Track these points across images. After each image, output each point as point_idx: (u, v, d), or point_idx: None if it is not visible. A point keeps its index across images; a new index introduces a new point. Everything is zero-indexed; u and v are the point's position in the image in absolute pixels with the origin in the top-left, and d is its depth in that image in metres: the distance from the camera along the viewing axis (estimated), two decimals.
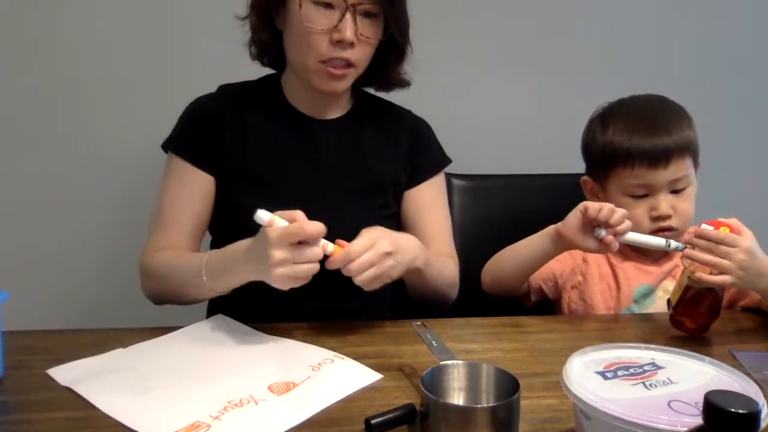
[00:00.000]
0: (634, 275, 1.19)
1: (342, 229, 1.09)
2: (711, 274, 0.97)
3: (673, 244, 1.03)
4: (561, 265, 1.21)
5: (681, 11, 1.78)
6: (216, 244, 1.18)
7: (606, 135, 1.17)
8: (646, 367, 0.71)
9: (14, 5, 1.48)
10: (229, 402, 0.75)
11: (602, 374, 0.69)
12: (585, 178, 1.24)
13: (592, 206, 1.03)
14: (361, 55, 1.05)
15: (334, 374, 0.83)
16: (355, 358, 0.87)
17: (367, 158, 1.15)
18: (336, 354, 0.88)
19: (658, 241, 1.05)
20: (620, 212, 1.02)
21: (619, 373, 0.70)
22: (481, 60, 1.70)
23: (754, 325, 1.08)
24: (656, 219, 1.14)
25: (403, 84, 1.19)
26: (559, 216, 1.09)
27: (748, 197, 1.75)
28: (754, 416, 0.47)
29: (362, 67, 1.08)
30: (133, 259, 1.62)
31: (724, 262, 0.95)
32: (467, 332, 1.00)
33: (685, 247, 1.01)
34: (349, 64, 1.05)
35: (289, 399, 0.76)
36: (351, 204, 1.12)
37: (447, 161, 1.23)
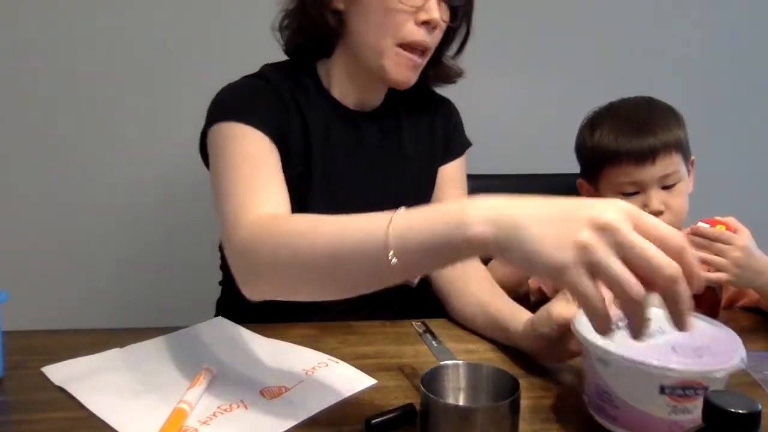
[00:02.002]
0: None
1: None
2: (708, 272, 0.98)
3: None
4: None
5: (682, 10, 1.78)
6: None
7: (594, 138, 1.20)
8: None
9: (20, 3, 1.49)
10: (218, 407, 0.74)
11: None
12: (580, 180, 1.27)
13: None
14: (435, 42, 0.97)
15: (327, 378, 0.82)
16: (354, 359, 0.87)
17: (408, 157, 1.09)
18: (331, 357, 0.87)
19: None
20: None
21: (620, 324, 0.71)
22: (480, 60, 1.69)
23: (754, 324, 1.08)
24: None
25: (459, 75, 1.11)
26: None
27: (747, 197, 1.75)
28: (754, 416, 0.47)
29: (429, 56, 0.99)
30: (133, 258, 1.63)
31: (720, 259, 0.97)
32: (467, 332, 1.00)
33: None
34: (424, 52, 0.96)
35: (280, 403, 0.76)
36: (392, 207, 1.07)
37: (469, 143, 1.19)
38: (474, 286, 1.03)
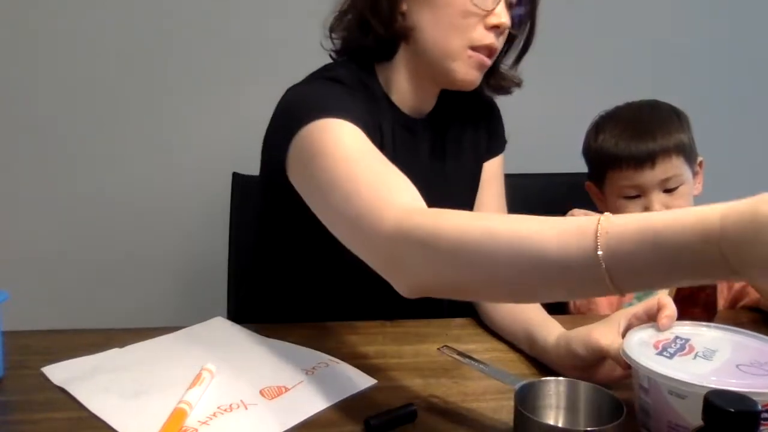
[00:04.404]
0: None
1: None
2: None
3: None
4: None
5: (682, 11, 1.78)
6: (286, 256, 1.04)
7: (598, 142, 1.22)
8: (678, 342, 0.73)
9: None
10: (218, 407, 0.74)
11: (661, 354, 0.70)
12: (588, 183, 1.28)
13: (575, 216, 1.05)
14: (500, 46, 0.97)
15: (327, 379, 0.82)
16: (354, 359, 0.87)
17: (456, 158, 1.08)
18: (331, 358, 0.87)
19: None
20: None
21: (671, 350, 0.71)
22: None
23: (754, 323, 1.08)
24: None
25: (518, 85, 1.09)
26: (559, 216, 1.10)
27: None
28: (753, 416, 0.47)
29: (494, 59, 0.98)
30: (133, 259, 1.63)
31: None
32: (467, 332, 1.00)
33: None
34: (491, 54, 0.95)
35: (280, 404, 0.76)
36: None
37: (505, 143, 1.19)
38: None
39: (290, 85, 0.97)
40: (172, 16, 1.54)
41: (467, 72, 0.95)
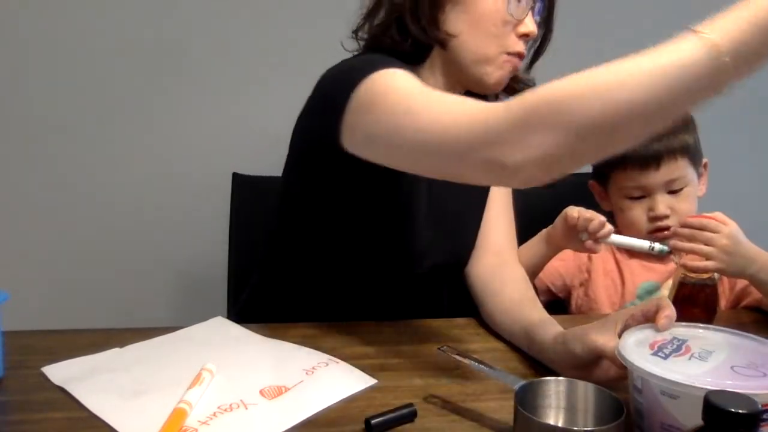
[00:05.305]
0: (639, 272, 1.21)
1: (461, 243, 1.08)
2: (698, 262, 1.00)
3: (657, 246, 1.05)
4: (565, 263, 1.24)
5: (683, 11, 1.78)
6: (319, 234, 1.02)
7: None
8: (675, 343, 0.73)
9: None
10: (218, 407, 0.74)
11: (656, 355, 0.70)
12: (591, 182, 1.28)
13: (571, 215, 1.06)
14: (526, 53, 1.02)
15: (327, 378, 0.82)
16: (354, 358, 0.87)
17: None
18: (331, 357, 0.87)
19: (641, 244, 1.06)
20: (597, 221, 1.05)
21: (666, 351, 0.71)
22: None
23: (756, 324, 1.08)
24: (653, 219, 1.17)
25: (531, 87, 1.09)
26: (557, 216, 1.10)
27: (748, 197, 1.75)
28: (753, 416, 0.47)
29: None
30: (133, 258, 1.63)
31: (708, 248, 0.99)
32: (467, 332, 1.00)
33: (671, 251, 1.03)
34: (520, 61, 1.01)
35: (280, 403, 0.76)
36: (465, 213, 1.08)
37: None
38: (508, 289, 1.03)
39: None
40: (171, 17, 1.54)
41: (500, 76, 1.00)
